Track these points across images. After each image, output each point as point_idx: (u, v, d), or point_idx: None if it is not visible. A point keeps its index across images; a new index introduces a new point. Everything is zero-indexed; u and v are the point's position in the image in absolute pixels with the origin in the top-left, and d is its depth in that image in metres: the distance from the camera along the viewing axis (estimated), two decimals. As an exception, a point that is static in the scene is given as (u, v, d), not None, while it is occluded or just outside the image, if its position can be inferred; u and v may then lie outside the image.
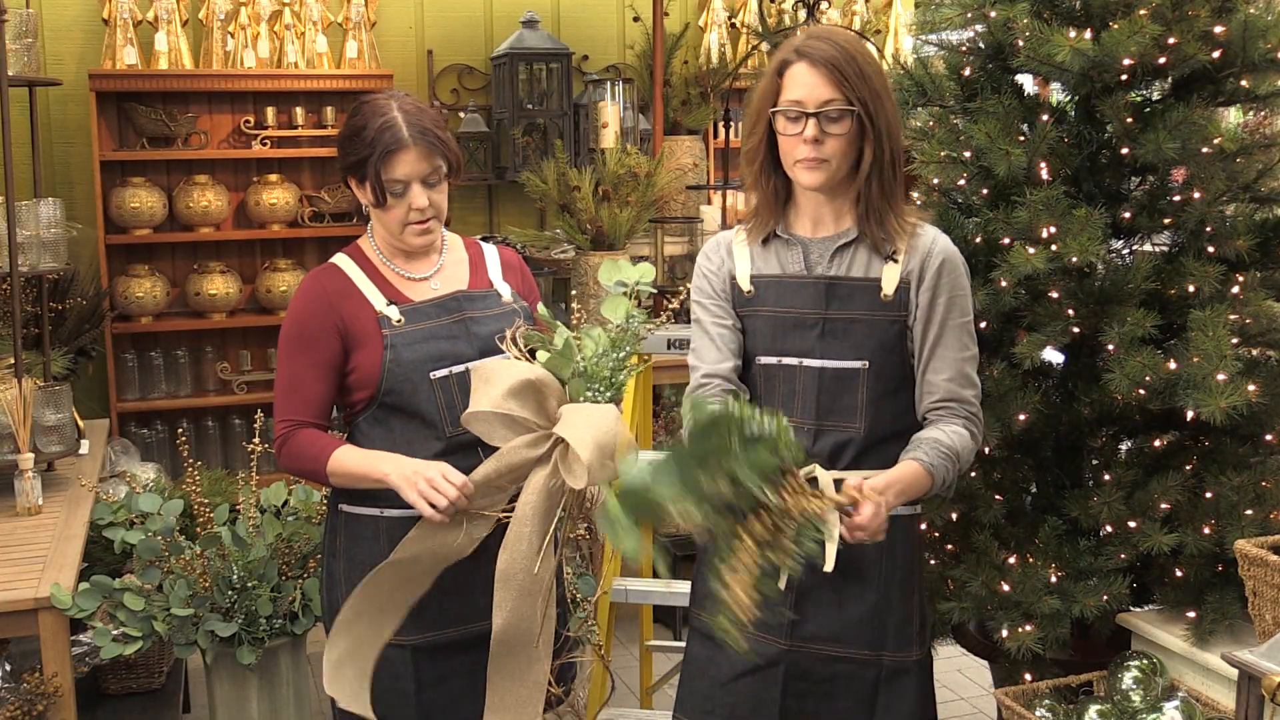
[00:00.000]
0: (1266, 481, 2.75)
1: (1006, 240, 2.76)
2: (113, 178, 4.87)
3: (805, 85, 2.02)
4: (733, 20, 5.65)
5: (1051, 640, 2.72)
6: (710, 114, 5.33)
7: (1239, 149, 2.78)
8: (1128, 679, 2.64)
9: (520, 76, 5.10)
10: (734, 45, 5.67)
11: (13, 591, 2.64)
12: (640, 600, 3.22)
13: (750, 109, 2.15)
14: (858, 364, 2.07)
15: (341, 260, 2.33)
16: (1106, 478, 2.78)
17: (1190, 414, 2.60)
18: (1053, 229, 2.67)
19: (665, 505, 1.76)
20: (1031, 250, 2.66)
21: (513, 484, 2.15)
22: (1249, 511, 2.68)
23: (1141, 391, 2.62)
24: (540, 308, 2.32)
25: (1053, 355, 2.95)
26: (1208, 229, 2.81)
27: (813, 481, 2.05)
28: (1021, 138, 2.82)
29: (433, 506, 2.10)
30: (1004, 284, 2.72)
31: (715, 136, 5.58)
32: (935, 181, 2.94)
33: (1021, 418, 2.77)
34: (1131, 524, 2.71)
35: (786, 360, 2.10)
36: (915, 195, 3.04)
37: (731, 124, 5.20)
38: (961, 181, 2.90)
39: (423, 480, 2.12)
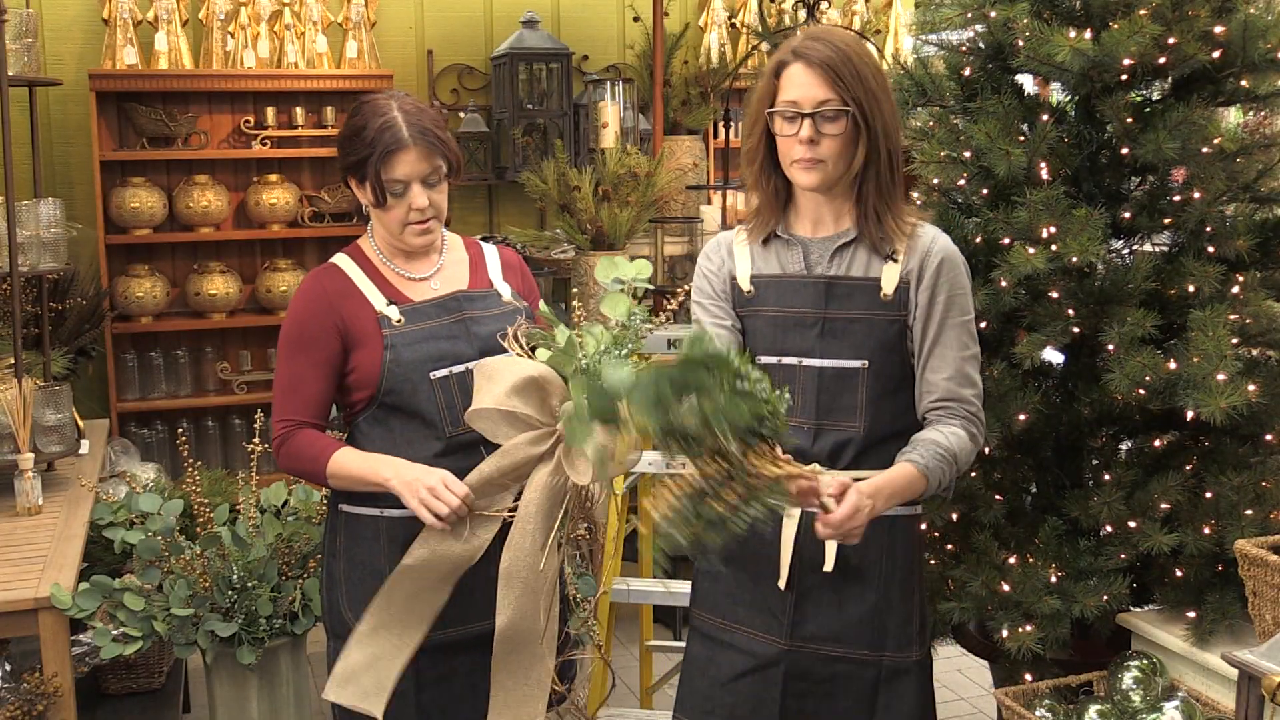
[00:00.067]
0: (1266, 481, 2.75)
1: (1006, 240, 2.76)
2: (113, 178, 4.87)
3: (801, 86, 2.02)
4: (733, 20, 5.65)
5: (1051, 640, 2.72)
6: (710, 114, 5.33)
7: (1239, 149, 2.78)
8: (1128, 679, 2.64)
9: (520, 76, 5.10)
10: (734, 45, 5.67)
11: (13, 591, 2.64)
12: (640, 600, 3.22)
13: (749, 109, 2.15)
14: (857, 364, 2.07)
15: (341, 260, 2.33)
16: (1106, 478, 2.78)
17: (1190, 414, 2.60)
18: (1053, 229, 2.68)
19: (628, 414, 1.73)
20: (1031, 250, 2.66)
21: (515, 482, 2.15)
22: (1249, 511, 2.68)
23: (1141, 391, 2.62)
24: (542, 305, 2.32)
25: (1053, 355, 2.95)
26: (1208, 229, 2.81)
27: None
28: (1021, 138, 2.82)
29: (434, 515, 2.11)
30: (1004, 284, 2.72)
31: (715, 136, 5.58)
32: (935, 181, 2.94)
33: (1021, 418, 2.77)
34: (1131, 524, 2.71)
35: (786, 360, 2.10)
36: (915, 195, 3.04)
37: (731, 124, 5.20)
38: (961, 181, 2.90)
39: (424, 488, 2.12)
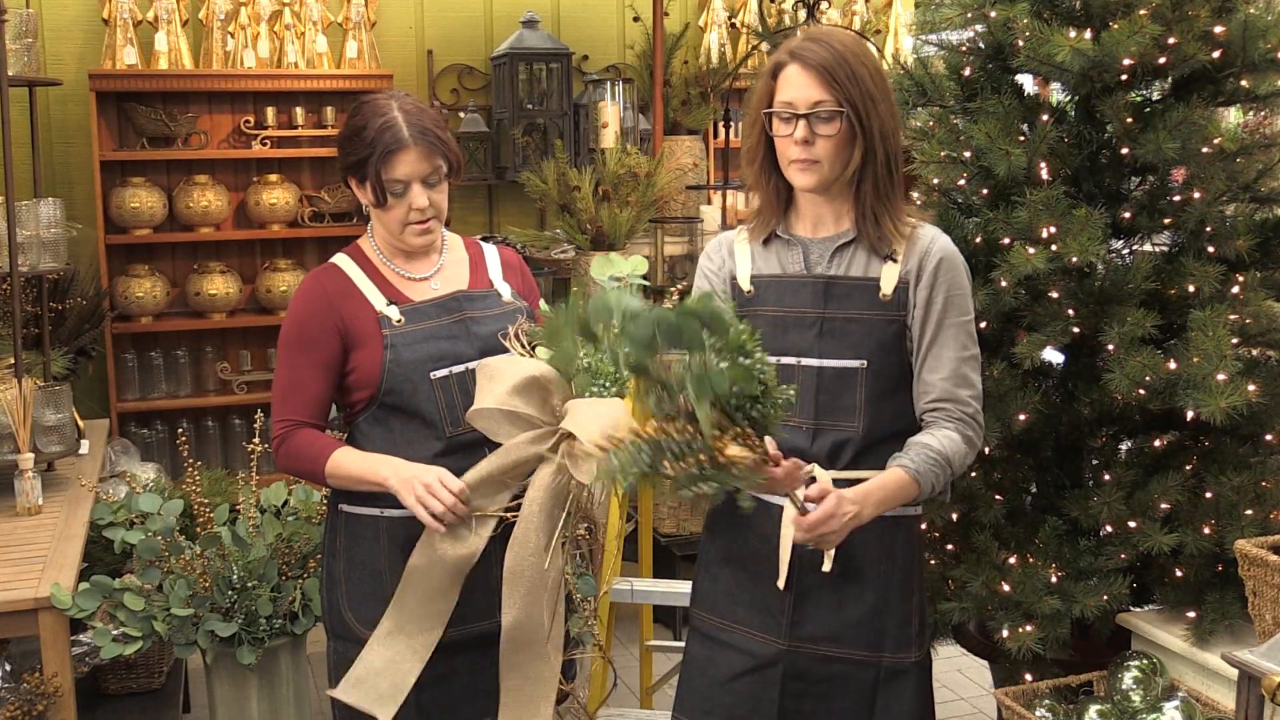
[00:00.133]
0: (1266, 481, 2.75)
1: (1006, 240, 2.76)
2: (113, 178, 4.87)
3: (796, 87, 2.03)
4: (733, 20, 5.65)
5: (1051, 640, 2.72)
6: (710, 114, 5.33)
7: (1239, 149, 2.78)
8: (1128, 679, 2.64)
9: (520, 76, 5.10)
10: (734, 45, 5.67)
11: (13, 591, 2.64)
12: (640, 600, 3.22)
13: (749, 109, 2.16)
14: (856, 363, 2.07)
15: (341, 260, 2.33)
16: (1106, 478, 2.78)
17: (1190, 414, 2.60)
18: (1053, 229, 2.67)
19: (607, 336, 1.70)
20: (1031, 250, 2.66)
21: (514, 480, 2.15)
22: (1249, 511, 2.68)
23: (1141, 391, 2.62)
24: (543, 305, 2.32)
25: (1053, 355, 2.94)
26: (1208, 229, 2.81)
27: (810, 481, 2.05)
28: (1021, 138, 2.82)
29: (430, 513, 2.11)
30: (1004, 284, 2.72)
31: (715, 136, 5.58)
32: (935, 181, 2.94)
33: (1021, 418, 2.77)
34: (1131, 524, 2.71)
35: (785, 359, 2.10)
36: (915, 195, 3.04)
37: (731, 124, 5.20)
38: (961, 181, 2.90)
39: (420, 485, 2.12)
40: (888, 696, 2.12)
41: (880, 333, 2.07)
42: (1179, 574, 2.77)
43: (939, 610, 2.88)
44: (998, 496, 2.93)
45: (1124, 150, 2.78)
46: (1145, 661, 2.67)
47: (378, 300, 2.28)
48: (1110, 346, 2.67)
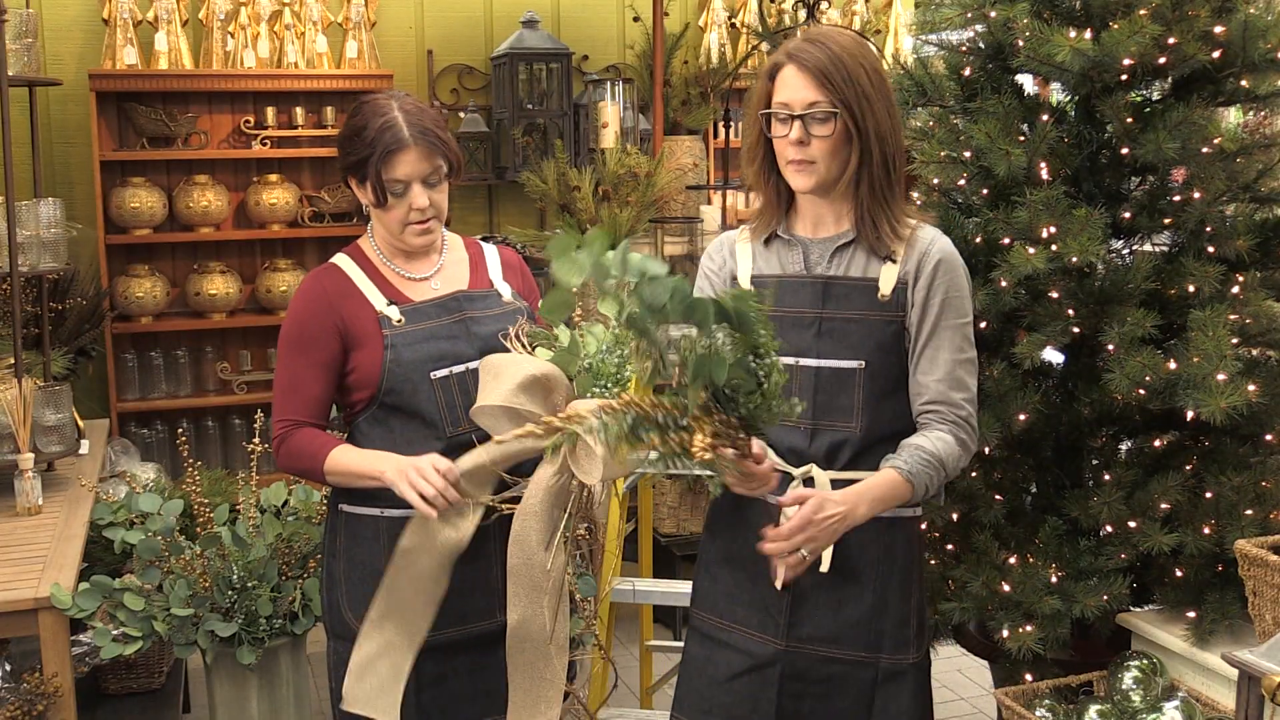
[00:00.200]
0: (1266, 481, 2.75)
1: (1006, 240, 2.76)
2: (113, 178, 4.87)
3: (792, 88, 2.03)
4: (733, 20, 5.65)
5: (1052, 640, 2.72)
6: (710, 114, 5.33)
7: (1239, 149, 2.78)
8: (1128, 679, 2.64)
9: (520, 76, 5.10)
10: (734, 45, 5.67)
11: (13, 591, 2.64)
12: (640, 600, 3.22)
13: (748, 110, 2.16)
14: (854, 364, 2.07)
15: (341, 260, 2.33)
16: (1106, 478, 2.78)
17: (1190, 414, 2.60)
18: (1053, 229, 2.68)
19: (625, 292, 1.65)
20: (1031, 250, 2.66)
21: (501, 467, 2.14)
22: (1249, 511, 2.68)
23: (1141, 391, 2.62)
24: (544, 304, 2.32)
25: (1053, 355, 2.94)
26: (1208, 229, 2.81)
27: (809, 482, 2.05)
28: (1021, 138, 2.82)
29: (422, 497, 2.10)
30: (1004, 284, 2.72)
31: (715, 136, 5.58)
32: (935, 181, 2.94)
33: (1021, 418, 2.77)
34: (1131, 524, 2.71)
35: (784, 359, 2.10)
36: (915, 195, 3.04)
37: (731, 124, 5.20)
38: (961, 181, 2.90)
39: (412, 470, 2.12)
40: (886, 697, 2.12)
41: (879, 333, 2.07)
42: (1179, 574, 2.77)
43: (939, 610, 2.88)
44: (998, 496, 2.94)
45: (1124, 150, 2.78)
46: (1145, 661, 2.67)
47: (378, 300, 2.28)
48: (1110, 346, 2.67)
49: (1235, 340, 2.62)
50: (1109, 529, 2.76)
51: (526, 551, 2.07)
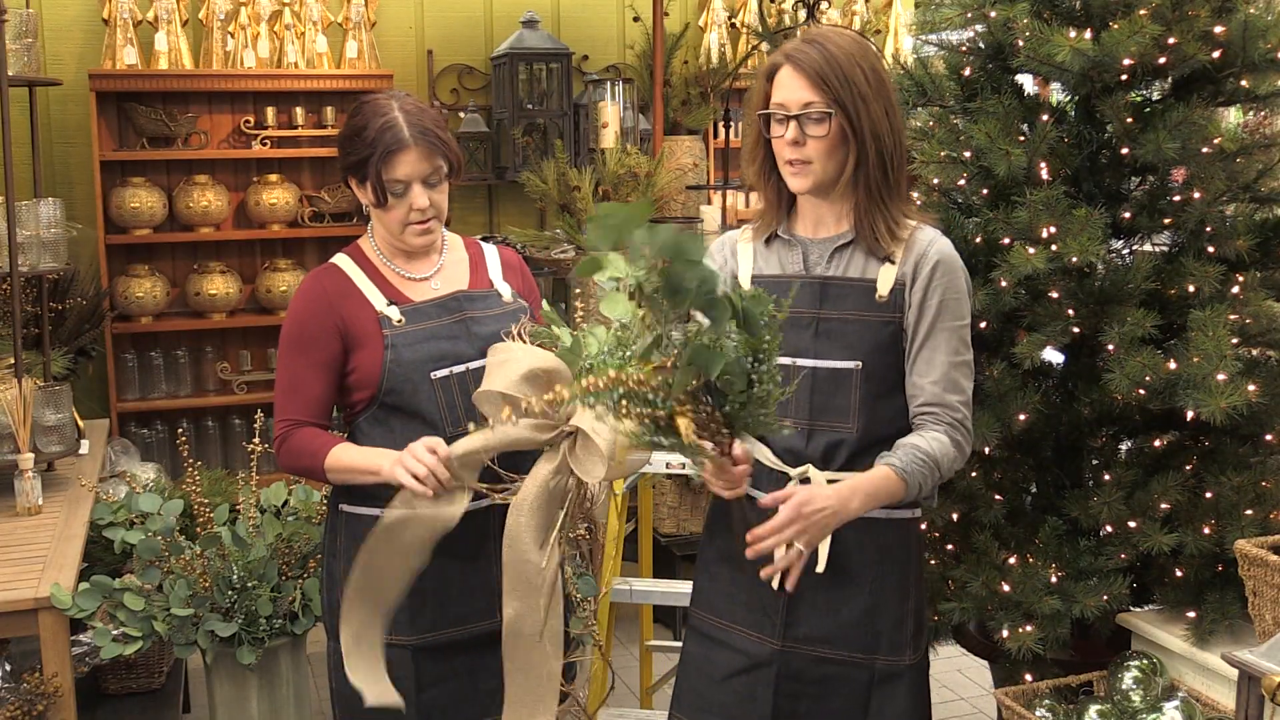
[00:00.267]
0: (1266, 481, 2.75)
1: (1006, 240, 2.76)
2: (113, 178, 4.87)
3: (788, 88, 2.03)
4: (733, 20, 5.65)
5: (1051, 640, 2.72)
6: (710, 114, 5.33)
7: (1239, 149, 2.78)
8: (1128, 679, 2.64)
9: (520, 76, 5.10)
10: (734, 45, 5.67)
11: (13, 591, 2.64)
12: (640, 600, 3.22)
13: (748, 110, 2.16)
14: (851, 364, 2.06)
15: (342, 260, 2.33)
16: (1106, 478, 2.78)
17: (1190, 414, 2.60)
18: (1053, 229, 2.68)
19: (646, 259, 1.64)
20: (1031, 250, 2.66)
21: (491, 455, 2.13)
22: (1249, 511, 2.68)
23: (1141, 391, 2.62)
24: (545, 305, 2.32)
25: (1053, 355, 2.94)
26: (1208, 229, 2.81)
27: (805, 483, 2.04)
28: (1021, 138, 2.82)
29: (414, 476, 2.09)
30: (1004, 284, 2.72)
31: (715, 136, 5.59)
32: (935, 181, 2.95)
33: (1021, 418, 2.77)
34: (1131, 524, 2.71)
35: (781, 359, 2.10)
36: (915, 195, 3.04)
37: (731, 124, 5.20)
38: (961, 181, 2.90)
39: (407, 455, 2.11)
40: (882, 698, 2.11)
41: (876, 334, 2.06)
42: (1179, 574, 2.77)
43: (939, 610, 2.88)
44: (998, 496, 2.94)
45: (1124, 150, 2.78)
46: (1145, 661, 2.67)
47: (378, 300, 2.28)
48: (1110, 346, 2.67)
49: (1235, 340, 2.62)
50: (1109, 529, 2.76)
51: (519, 548, 2.07)
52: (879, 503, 1.99)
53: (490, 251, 2.46)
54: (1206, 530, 2.69)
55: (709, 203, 5.14)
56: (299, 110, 5.04)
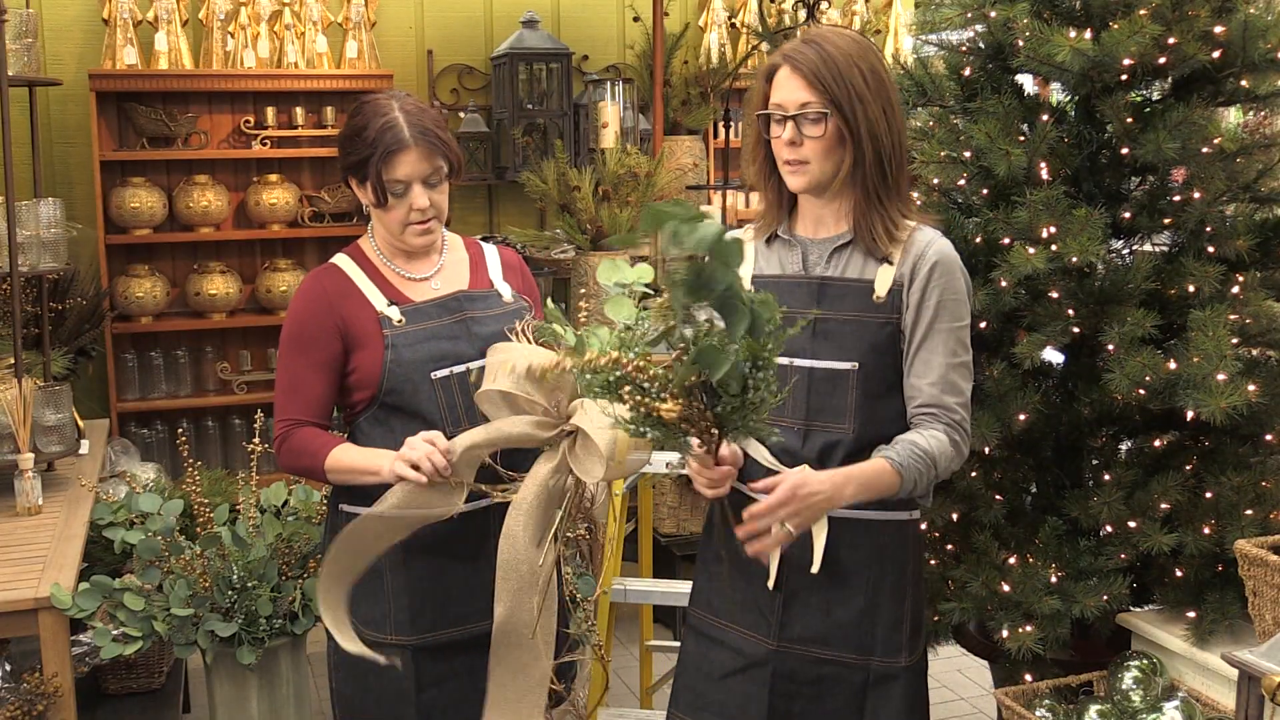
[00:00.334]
0: (1266, 481, 2.75)
1: (1006, 240, 2.76)
2: (113, 178, 4.87)
3: (786, 89, 2.03)
4: (733, 20, 5.65)
5: (1051, 640, 2.72)
6: (710, 114, 5.33)
7: (1239, 149, 2.78)
8: (1128, 679, 2.64)
9: (520, 76, 5.10)
10: (734, 45, 5.67)
11: (13, 591, 2.64)
12: (640, 600, 3.22)
13: (748, 111, 2.16)
14: (847, 365, 2.06)
15: (342, 260, 2.33)
16: (1106, 478, 2.78)
17: (1190, 414, 2.60)
18: (1053, 229, 2.68)
19: (676, 249, 1.64)
20: (1031, 250, 2.66)
21: (491, 450, 2.13)
22: (1249, 511, 2.68)
23: (1141, 391, 2.62)
24: (549, 304, 2.32)
25: (1053, 355, 2.94)
26: (1208, 229, 2.81)
27: None
28: (1021, 138, 2.82)
29: (412, 467, 2.08)
30: (1004, 284, 2.72)
31: (715, 136, 5.59)
32: (935, 181, 2.95)
33: (1021, 418, 2.77)
34: (1131, 524, 2.72)
35: (778, 359, 2.10)
36: (915, 196, 3.04)
37: (731, 124, 5.21)
38: (961, 181, 2.90)
39: (405, 448, 2.11)
40: (877, 700, 2.11)
41: (873, 335, 2.06)
42: (1179, 574, 2.77)
43: (939, 610, 2.88)
44: (998, 496, 2.94)
45: (1124, 150, 2.78)
46: (1145, 661, 2.67)
47: (378, 300, 2.28)
48: (1110, 346, 2.67)
49: (1235, 340, 2.62)
50: (1109, 529, 2.76)
51: (516, 547, 2.07)
52: (872, 494, 1.98)
53: (490, 251, 2.46)
54: (1206, 530, 2.69)
55: (709, 203, 5.14)
56: (299, 110, 5.04)
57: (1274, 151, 2.86)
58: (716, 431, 1.76)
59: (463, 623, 2.29)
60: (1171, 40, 2.69)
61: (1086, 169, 2.88)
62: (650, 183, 4.44)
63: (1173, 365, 2.60)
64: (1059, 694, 2.72)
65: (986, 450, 2.91)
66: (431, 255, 2.37)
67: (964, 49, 3.01)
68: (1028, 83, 3.00)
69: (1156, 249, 2.93)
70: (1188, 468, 2.79)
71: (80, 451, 3.54)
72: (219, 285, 4.96)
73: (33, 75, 3.63)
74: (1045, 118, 2.82)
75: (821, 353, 2.07)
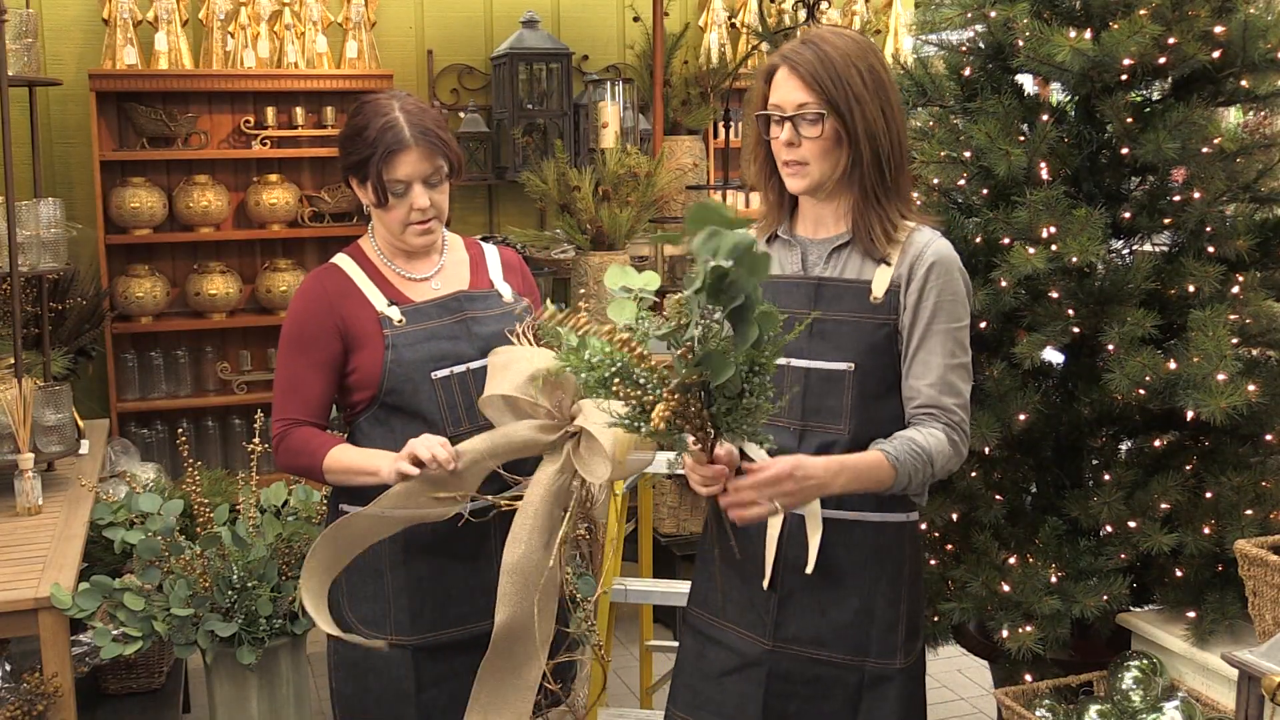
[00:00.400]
0: (1266, 481, 2.75)
1: (1006, 240, 2.76)
2: (113, 178, 4.87)
3: (783, 90, 2.03)
4: (733, 20, 5.66)
5: (1051, 640, 2.72)
6: (710, 114, 5.33)
7: (1239, 149, 2.79)
8: (1128, 679, 2.64)
9: (520, 76, 5.10)
10: (734, 45, 5.67)
11: (13, 591, 2.64)
12: (640, 600, 3.22)
13: (748, 111, 2.16)
14: (844, 366, 2.05)
15: (342, 260, 2.33)
16: (1106, 478, 2.78)
17: (1190, 414, 2.60)
18: (1053, 229, 2.68)
19: (710, 253, 1.65)
20: (1031, 250, 2.66)
21: (499, 463, 2.13)
22: (1249, 511, 2.68)
23: (1141, 391, 2.62)
24: (548, 305, 2.32)
25: (1053, 355, 2.95)
26: (1208, 229, 2.81)
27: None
28: (1021, 138, 2.82)
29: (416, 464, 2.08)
30: (1004, 284, 2.72)
31: (715, 136, 5.59)
32: (935, 181, 2.95)
33: (1021, 418, 2.77)
34: (1131, 524, 2.72)
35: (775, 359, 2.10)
36: (916, 196, 3.04)
37: (731, 124, 5.21)
38: (961, 181, 2.90)
39: (405, 450, 2.11)
40: (872, 701, 2.10)
41: (869, 336, 2.05)
42: (1179, 574, 2.77)
43: (939, 610, 2.88)
44: (998, 496, 2.94)
45: (1124, 150, 2.78)
46: (1145, 661, 2.67)
47: (378, 300, 2.28)
48: (1110, 346, 2.67)
49: (1235, 340, 2.62)
50: (1109, 529, 2.76)
51: (525, 550, 2.07)
52: (864, 485, 1.97)
53: (490, 252, 2.46)
54: (1206, 530, 2.69)
55: (709, 203, 5.13)
56: (299, 110, 5.04)
57: (1274, 151, 2.86)
58: (712, 431, 1.76)
59: (463, 623, 2.29)
60: (1171, 40, 2.69)
61: (1086, 169, 2.88)
62: (650, 183, 4.44)
63: (1173, 365, 2.60)
64: (1059, 694, 2.72)
65: (986, 450, 2.91)
66: (432, 255, 2.37)
67: (964, 49, 3.01)
68: (1028, 83, 3.00)
69: (1156, 249, 2.93)
70: (1188, 468, 2.79)
71: (80, 451, 3.54)
72: (219, 285, 4.96)
73: (33, 75, 3.63)
74: (1045, 118, 2.82)
75: (818, 353, 2.07)
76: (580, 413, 2.07)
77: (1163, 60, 2.71)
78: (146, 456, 4.60)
